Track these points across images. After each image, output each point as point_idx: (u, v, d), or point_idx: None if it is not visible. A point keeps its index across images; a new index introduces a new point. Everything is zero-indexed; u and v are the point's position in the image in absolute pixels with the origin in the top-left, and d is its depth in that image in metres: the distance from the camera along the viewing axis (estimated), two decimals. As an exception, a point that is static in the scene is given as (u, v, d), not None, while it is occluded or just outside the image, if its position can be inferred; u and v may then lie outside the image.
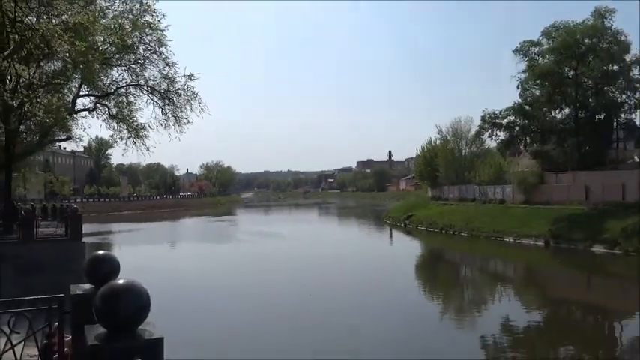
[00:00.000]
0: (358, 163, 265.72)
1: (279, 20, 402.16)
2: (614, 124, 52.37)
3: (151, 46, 26.14)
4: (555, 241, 40.72)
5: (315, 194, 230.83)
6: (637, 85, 50.35)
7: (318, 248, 48.75)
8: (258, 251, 45.97)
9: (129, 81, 27.15)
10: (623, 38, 49.56)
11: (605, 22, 49.62)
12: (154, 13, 25.52)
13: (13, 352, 4.59)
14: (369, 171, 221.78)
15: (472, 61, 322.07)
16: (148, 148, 27.38)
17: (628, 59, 49.96)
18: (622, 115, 52.01)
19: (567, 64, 50.98)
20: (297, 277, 31.81)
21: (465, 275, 37.68)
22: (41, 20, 10.29)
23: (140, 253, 43.56)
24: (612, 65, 50.13)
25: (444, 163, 72.09)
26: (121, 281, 2.32)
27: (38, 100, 18.56)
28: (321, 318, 21.64)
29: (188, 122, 27.46)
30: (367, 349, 17.36)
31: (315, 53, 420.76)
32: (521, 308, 25.28)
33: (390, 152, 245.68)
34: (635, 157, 56.38)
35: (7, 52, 11.74)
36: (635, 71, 50.29)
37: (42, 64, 23.61)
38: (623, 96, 51.16)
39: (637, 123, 53.75)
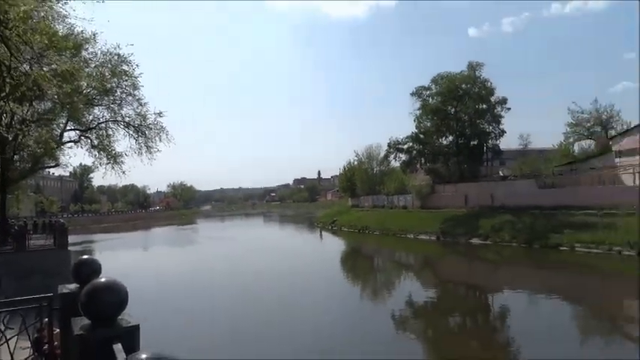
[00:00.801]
0: (294, 180, 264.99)
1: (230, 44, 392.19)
2: (485, 148, 54.35)
3: (127, 90, 25.39)
4: (444, 236, 41.79)
5: (261, 205, 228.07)
6: (499, 119, 52.67)
7: (265, 245, 48.19)
8: (216, 251, 44.98)
9: (108, 118, 26.17)
10: (489, 84, 51.82)
11: (477, 73, 51.97)
12: (130, 63, 24.77)
13: (7, 345, 4.27)
14: (302, 186, 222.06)
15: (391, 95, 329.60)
16: (124, 172, 26.40)
17: (493, 100, 52.02)
18: (490, 141, 54.08)
19: (450, 103, 52.61)
20: (250, 269, 31.25)
21: (378, 264, 38.08)
22: (33, 68, 9.76)
23: (117, 256, 41.63)
24: (482, 104, 51.87)
25: (360, 179, 73.37)
26: (102, 279, 2.22)
27: (30, 133, 17.55)
28: (267, 295, 21.40)
29: (158, 151, 26.72)
30: (299, 319, 17.25)
31: (260, 86, 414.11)
32: (420, 288, 25.82)
33: (319, 171, 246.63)
34: (500, 172, 59.09)
35: (4, 93, 11.08)
36: (499, 109, 52.62)
37: (34, 103, 22.45)
38: (490, 127, 53.15)
39: (500, 147, 56.24)
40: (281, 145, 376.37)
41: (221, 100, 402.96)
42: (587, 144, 57.74)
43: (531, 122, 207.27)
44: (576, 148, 58.83)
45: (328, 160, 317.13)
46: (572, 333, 16.15)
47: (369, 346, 14.71)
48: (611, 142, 47.43)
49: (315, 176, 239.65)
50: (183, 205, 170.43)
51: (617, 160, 43.88)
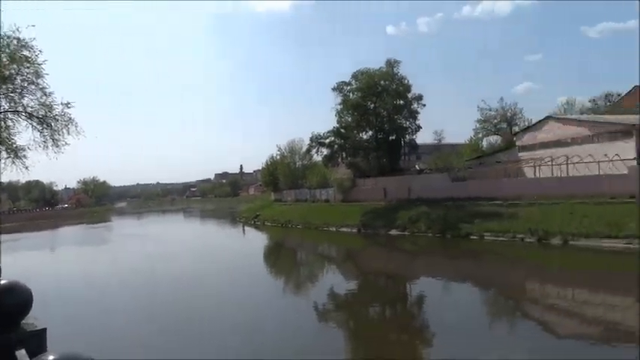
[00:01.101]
0: (216, 175, 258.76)
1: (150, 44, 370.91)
2: (402, 142, 56.20)
3: (29, 78, 23.29)
4: (365, 228, 42.75)
5: (181, 201, 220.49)
6: (416, 115, 54.65)
7: (184, 242, 46.80)
8: (132, 250, 42.89)
9: (7, 107, 23.83)
10: (406, 81, 53.46)
11: (394, 70, 53.62)
12: (31, 48, 22.77)
13: None
14: (224, 181, 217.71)
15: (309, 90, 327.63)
16: (27, 167, 24.31)
17: (410, 96, 53.74)
18: (407, 136, 56.07)
19: (369, 99, 53.57)
20: (169, 266, 30.16)
21: (302, 257, 38.21)
22: None
23: (19, 258, 38.36)
24: (399, 100, 53.34)
25: (282, 173, 73.41)
26: (2, 281, 2.04)
27: None
28: (189, 294, 20.82)
29: (65, 144, 24.87)
30: (220, 316, 17.01)
31: (179, 81, 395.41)
32: (342, 279, 26.38)
33: (241, 166, 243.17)
34: (416, 166, 61.85)
35: None
36: (415, 105, 54.63)
37: None
38: (407, 123, 54.96)
39: (417, 142, 58.67)
40: (202, 138, 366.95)
41: (142, 93, 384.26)
42: (494, 139, 62.23)
43: (445, 118, 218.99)
44: (485, 143, 63.15)
45: (251, 154, 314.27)
46: (482, 316, 17.37)
47: (293, 340, 14.84)
48: (515, 138, 51.32)
49: (238, 170, 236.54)
50: (95, 202, 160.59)
51: (520, 154, 47.60)
